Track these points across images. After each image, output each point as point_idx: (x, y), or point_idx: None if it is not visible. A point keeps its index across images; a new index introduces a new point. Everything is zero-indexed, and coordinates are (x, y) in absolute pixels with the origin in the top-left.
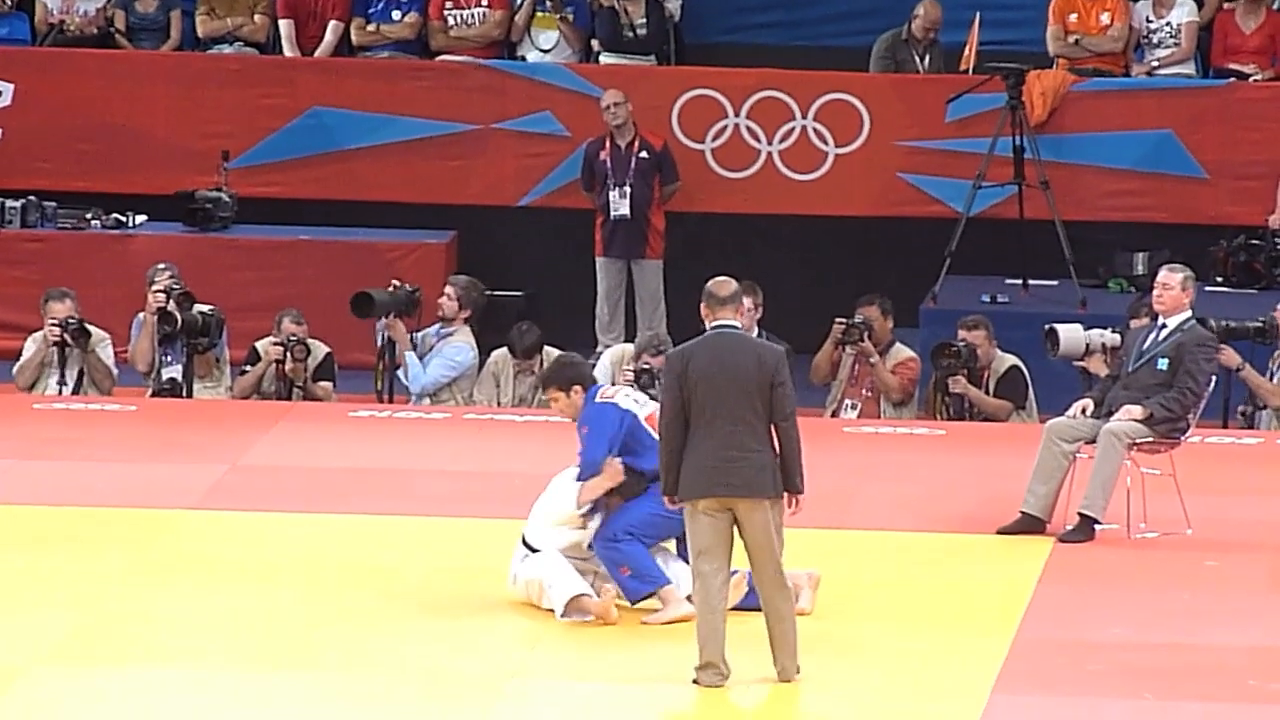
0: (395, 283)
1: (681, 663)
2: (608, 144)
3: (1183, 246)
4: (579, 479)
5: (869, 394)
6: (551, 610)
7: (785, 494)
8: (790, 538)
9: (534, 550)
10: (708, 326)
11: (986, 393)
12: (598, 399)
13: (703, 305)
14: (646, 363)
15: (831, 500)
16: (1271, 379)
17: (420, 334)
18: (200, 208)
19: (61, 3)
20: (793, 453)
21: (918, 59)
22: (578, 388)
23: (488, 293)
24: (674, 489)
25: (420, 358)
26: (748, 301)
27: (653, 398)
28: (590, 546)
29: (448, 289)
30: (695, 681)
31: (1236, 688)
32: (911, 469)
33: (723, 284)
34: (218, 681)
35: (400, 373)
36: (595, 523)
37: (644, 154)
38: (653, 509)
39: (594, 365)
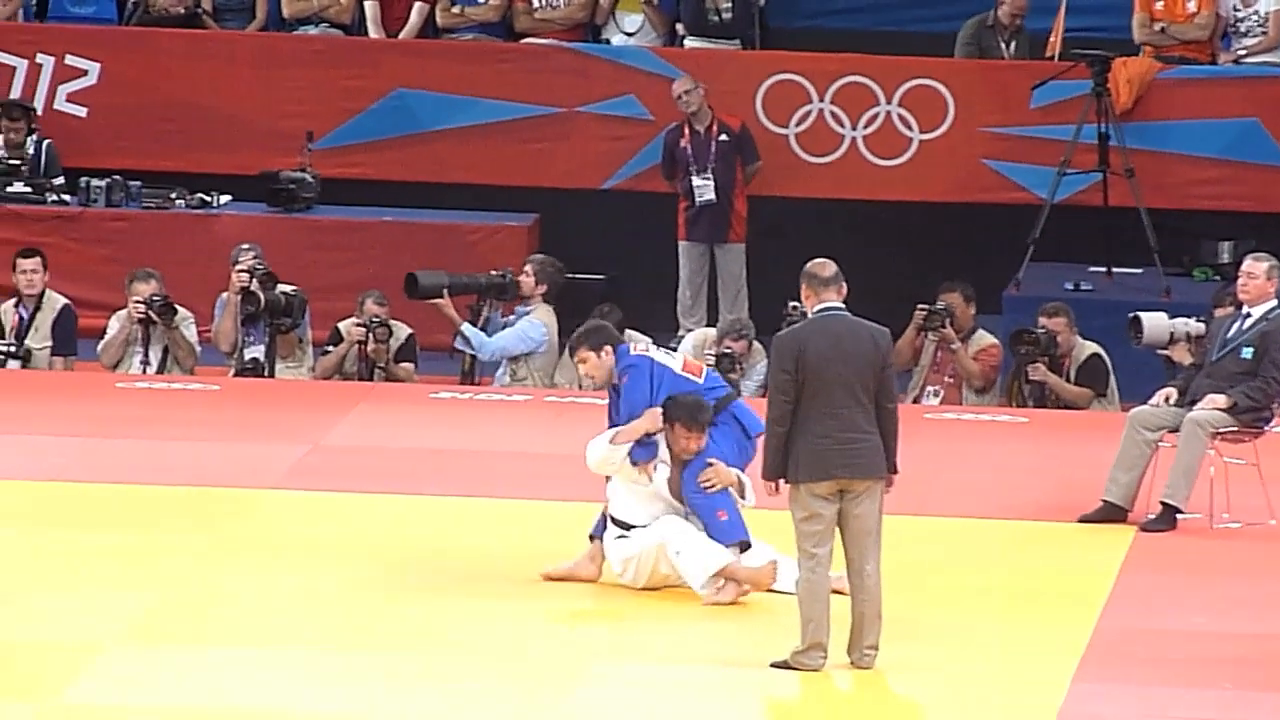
0: (493, 270)
1: (766, 646)
2: (686, 130)
3: (1268, 235)
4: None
5: (950, 380)
6: (637, 587)
7: (889, 476)
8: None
9: (627, 526)
10: (810, 309)
11: (1067, 380)
12: (631, 353)
13: (804, 287)
14: (728, 347)
15: (912, 487)
16: None
17: (512, 316)
18: (284, 188)
19: None
20: (894, 434)
21: (1003, 45)
22: (608, 348)
23: (569, 275)
24: (781, 472)
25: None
26: None
27: (733, 382)
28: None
29: (525, 266)
30: (787, 665)
31: None
32: (993, 456)
33: (823, 265)
34: (296, 661)
35: (460, 343)
36: (662, 472)
37: (723, 137)
38: (725, 452)
39: (676, 349)
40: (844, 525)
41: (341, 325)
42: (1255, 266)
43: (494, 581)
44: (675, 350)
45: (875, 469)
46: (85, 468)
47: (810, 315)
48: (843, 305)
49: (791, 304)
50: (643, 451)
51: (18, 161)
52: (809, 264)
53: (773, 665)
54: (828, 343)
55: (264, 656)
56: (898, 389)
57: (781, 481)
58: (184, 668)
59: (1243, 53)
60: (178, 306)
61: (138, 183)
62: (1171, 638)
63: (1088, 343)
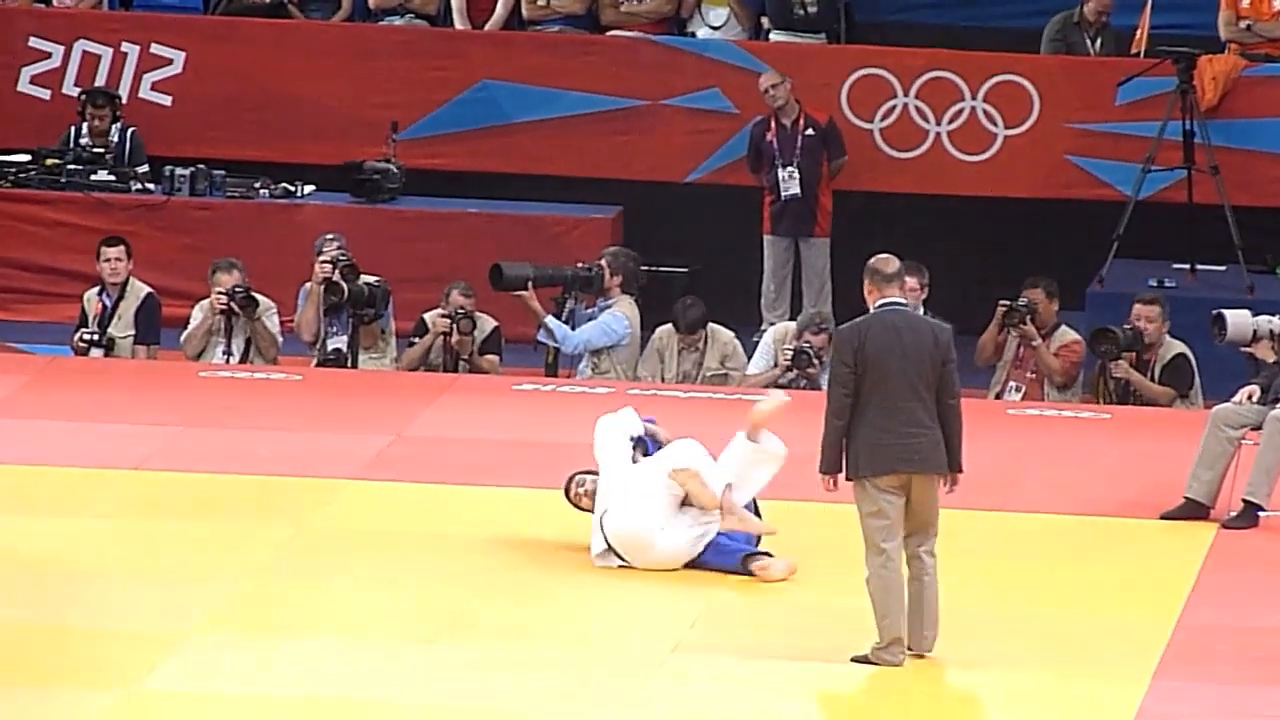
0: (578, 263)
1: (841, 642)
2: (773, 124)
3: None
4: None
5: (1033, 376)
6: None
7: (953, 474)
8: (952, 519)
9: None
10: (873, 304)
11: (1152, 377)
12: None
13: (867, 282)
14: (808, 341)
15: (994, 482)
16: None
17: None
18: (368, 178)
19: None
20: (957, 432)
21: (1089, 41)
22: None
23: (653, 268)
24: (837, 466)
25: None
26: (913, 281)
27: (809, 377)
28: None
29: (600, 259)
30: (867, 660)
31: None
32: (1075, 452)
33: (887, 261)
34: (377, 652)
35: (543, 336)
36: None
37: (810, 131)
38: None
39: (757, 341)
40: (906, 518)
41: (427, 316)
42: None
43: (574, 573)
44: (758, 342)
45: (936, 463)
46: (168, 457)
47: (872, 310)
48: (905, 301)
49: None
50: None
51: (102, 150)
52: (873, 259)
53: (853, 660)
54: (887, 337)
55: (345, 647)
56: (980, 384)
57: (841, 477)
58: (265, 657)
59: None
60: (260, 297)
61: (221, 172)
62: (1253, 635)
63: (1175, 341)
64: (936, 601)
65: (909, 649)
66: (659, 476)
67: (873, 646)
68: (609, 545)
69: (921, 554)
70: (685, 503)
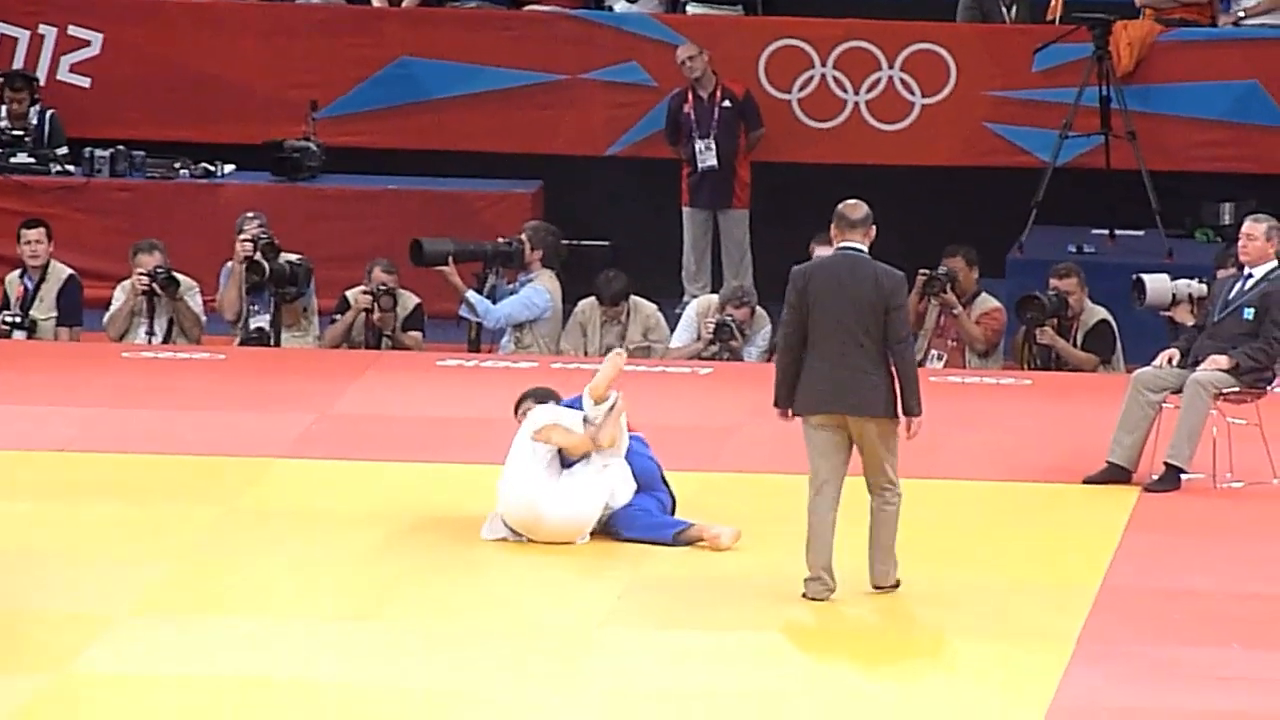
0: (499, 238)
1: (771, 611)
2: (690, 96)
3: (1269, 196)
4: None
5: (954, 344)
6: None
7: (903, 418)
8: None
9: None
10: (833, 249)
11: (1075, 344)
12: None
13: (833, 227)
14: (730, 314)
15: (917, 450)
16: None
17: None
18: (288, 157)
19: None
20: (909, 376)
21: (1004, 10)
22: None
23: (574, 242)
24: (787, 402)
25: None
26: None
27: (732, 349)
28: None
29: (520, 234)
30: (805, 595)
31: None
32: (998, 419)
33: (854, 206)
34: (305, 630)
35: (464, 311)
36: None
37: (727, 103)
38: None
39: (679, 315)
40: (863, 465)
41: (349, 293)
42: (1255, 228)
43: (501, 549)
44: (680, 315)
45: (870, 408)
46: (92, 438)
47: (831, 252)
48: (863, 248)
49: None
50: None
51: (21, 132)
52: (841, 204)
53: (804, 595)
54: (832, 281)
55: (273, 626)
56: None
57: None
58: (193, 637)
59: (1242, 15)
60: (181, 277)
61: (141, 153)
62: (1176, 597)
63: (1098, 308)
64: (890, 538)
65: (873, 585)
66: (524, 445)
67: (804, 579)
68: (505, 525)
69: (878, 491)
70: (567, 466)
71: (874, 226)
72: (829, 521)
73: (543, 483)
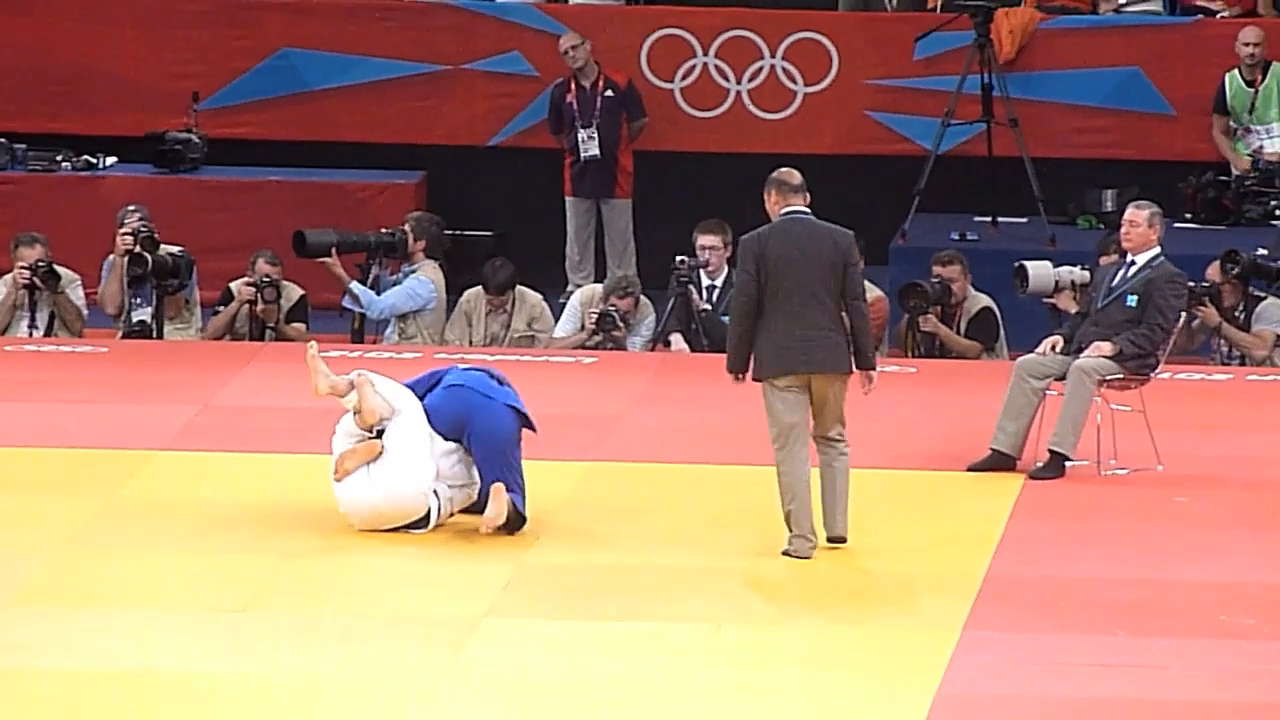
0: (383, 229)
1: (655, 601)
2: (572, 86)
3: (1151, 183)
4: None
5: None
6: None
7: (860, 372)
8: (758, 475)
9: None
10: (777, 213)
11: (958, 331)
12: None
13: (772, 193)
14: (614, 304)
15: None
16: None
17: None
18: (170, 149)
19: None
20: (865, 330)
21: (887, 0)
22: None
23: (457, 232)
24: (742, 367)
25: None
26: (715, 239)
27: (615, 339)
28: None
29: (403, 225)
30: (786, 553)
31: (1207, 623)
32: (881, 406)
33: (790, 173)
34: (188, 623)
35: (348, 302)
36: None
37: (609, 93)
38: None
39: (564, 305)
40: (814, 418)
41: (233, 285)
42: (1138, 215)
43: (385, 539)
44: (564, 304)
45: (835, 364)
46: None
47: (775, 219)
48: (808, 210)
49: (680, 258)
50: None
51: None
52: (776, 172)
53: (783, 553)
54: (789, 244)
55: (156, 618)
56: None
57: (748, 377)
58: (79, 630)
59: (1123, 2)
60: (63, 270)
61: (23, 145)
62: (1061, 584)
63: (981, 295)
64: (846, 486)
65: (827, 537)
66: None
67: (788, 538)
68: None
69: (832, 440)
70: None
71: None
72: (806, 478)
73: (358, 478)
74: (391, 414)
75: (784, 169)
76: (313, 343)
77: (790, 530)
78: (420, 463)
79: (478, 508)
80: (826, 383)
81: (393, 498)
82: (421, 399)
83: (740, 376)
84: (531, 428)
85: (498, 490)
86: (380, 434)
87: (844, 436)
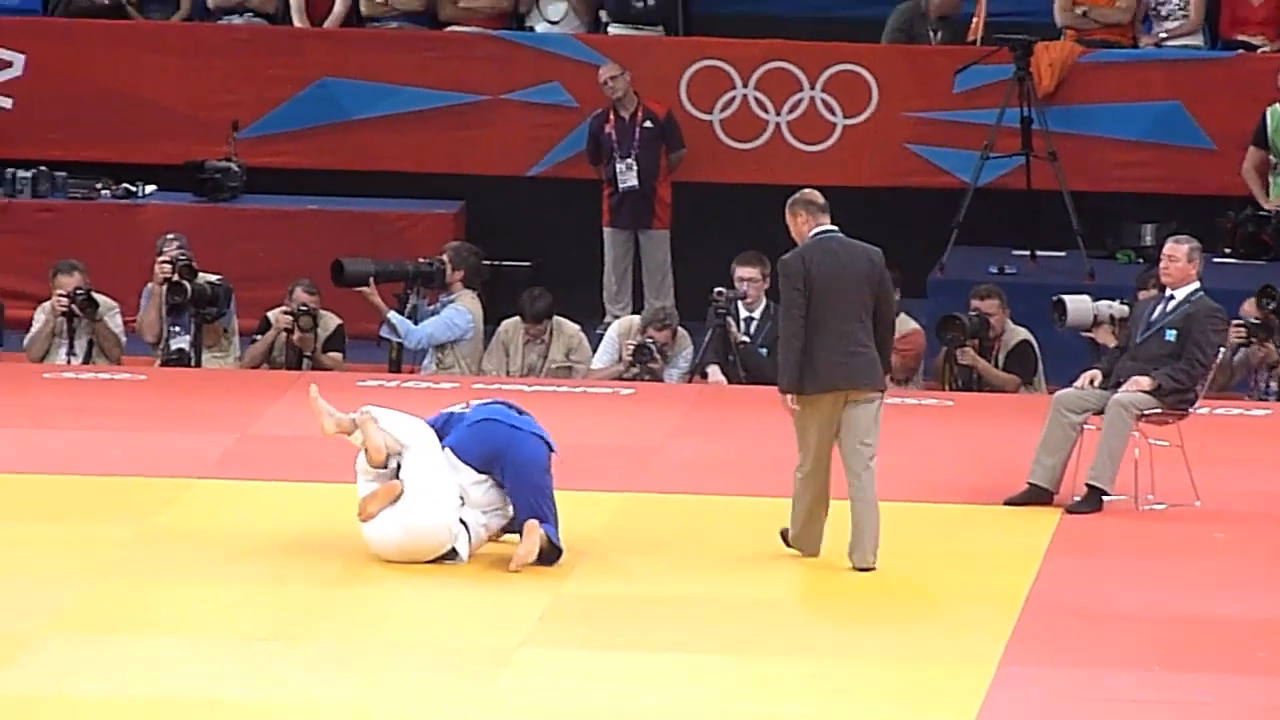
0: (422, 259)
1: (691, 632)
2: (611, 116)
3: (1190, 218)
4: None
5: None
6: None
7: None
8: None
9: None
10: (807, 233)
11: (996, 364)
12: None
13: (801, 213)
14: (650, 336)
15: (839, 471)
16: None
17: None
18: (209, 178)
19: None
20: (890, 348)
21: (932, 33)
22: None
23: (495, 263)
24: (799, 385)
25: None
26: (754, 271)
27: (652, 371)
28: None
29: (441, 254)
30: (783, 538)
31: (1244, 659)
32: (919, 439)
33: (814, 193)
34: (225, 650)
35: (386, 331)
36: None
37: (648, 124)
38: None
39: (601, 335)
40: (841, 435)
41: (271, 314)
42: (1177, 249)
43: (420, 568)
44: (602, 335)
45: (873, 380)
46: (12, 458)
47: (808, 238)
48: (837, 229)
49: (718, 290)
50: None
51: None
52: (801, 192)
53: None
54: (832, 263)
55: (194, 645)
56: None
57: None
58: (114, 657)
59: (1164, 36)
60: (101, 297)
61: (63, 173)
62: (1098, 619)
63: (1019, 329)
64: (876, 519)
65: (854, 567)
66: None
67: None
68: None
69: (860, 451)
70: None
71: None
72: (812, 497)
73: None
74: (400, 449)
75: (806, 190)
76: (313, 385)
77: (788, 545)
78: (441, 496)
79: (514, 527)
80: (863, 398)
81: (415, 534)
82: (441, 437)
83: (794, 397)
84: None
85: (531, 528)
86: (398, 470)
87: (871, 445)
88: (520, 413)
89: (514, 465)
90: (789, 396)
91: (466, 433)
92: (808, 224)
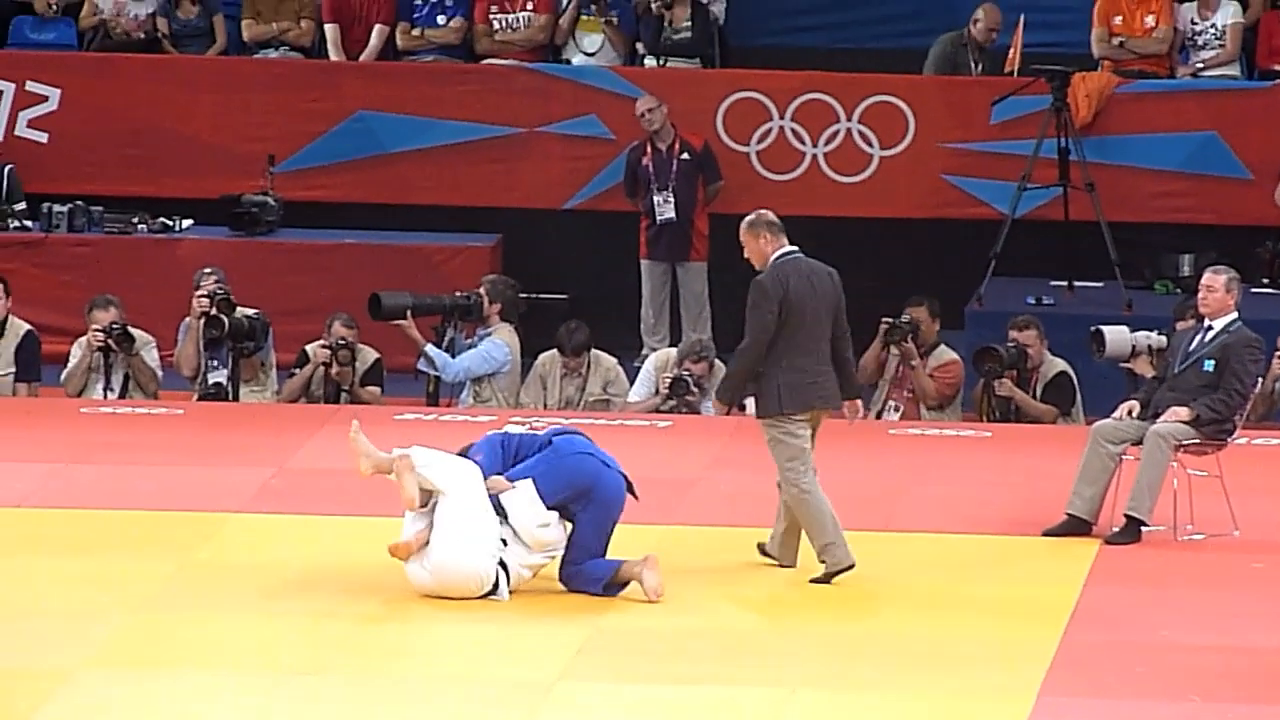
0: (459, 292)
1: (731, 664)
2: (649, 149)
3: (1228, 248)
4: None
5: (910, 395)
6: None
7: (849, 401)
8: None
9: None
10: (771, 254)
11: (1034, 395)
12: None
13: (764, 235)
14: (688, 369)
15: (877, 502)
16: None
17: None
18: (246, 211)
19: (113, 5)
20: (853, 361)
21: (974, 63)
22: None
23: (532, 296)
24: (739, 398)
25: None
26: None
27: (688, 404)
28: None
29: (479, 288)
30: (822, 560)
31: None
32: (957, 471)
33: (770, 213)
34: (262, 684)
35: (423, 365)
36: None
37: (685, 156)
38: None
39: (639, 367)
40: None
41: (308, 348)
42: (1215, 279)
43: (458, 602)
44: (639, 368)
45: (836, 400)
46: (50, 493)
47: (774, 259)
48: (798, 248)
49: None
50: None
51: None
52: (760, 213)
53: (813, 581)
54: (804, 284)
55: (231, 681)
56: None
57: (743, 409)
58: (152, 692)
59: (1201, 66)
60: (137, 332)
61: (100, 208)
62: (1137, 650)
63: (1057, 359)
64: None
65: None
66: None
67: (825, 571)
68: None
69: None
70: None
71: None
72: (830, 510)
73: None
74: (438, 493)
75: (763, 211)
76: (355, 421)
77: (826, 562)
78: (474, 542)
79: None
80: (823, 416)
81: (444, 579)
82: (516, 458)
83: (734, 410)
84: (634, 495)
85: (653, 561)
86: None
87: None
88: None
89: (599, 502)
90: (727, 407)
91: (558, 464)
92: (771, 245)
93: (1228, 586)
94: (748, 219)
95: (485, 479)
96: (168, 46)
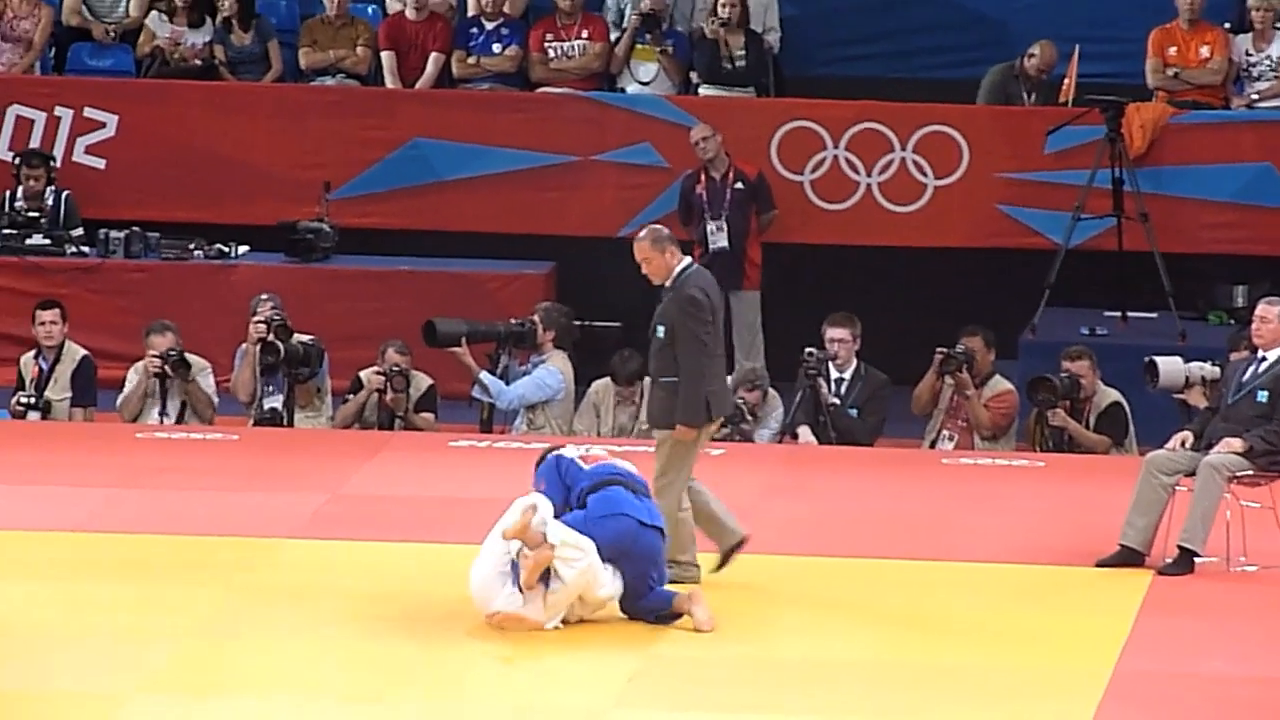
0: (511, 319)
1: (783, 693)
2: (703, 177)
3: None
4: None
5: (964, 425)
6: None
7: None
8: (887, 569)
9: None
10: (673, 266)
11: (1087, 426)
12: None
13: (669, 249)
14: (741, 397)
15: (930, 532)
16: None
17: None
18: (302, 238)
19: (170, 33)
20: None
21: (1026, 95)
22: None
23: (586, 323)
24: (705, 418)
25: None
26: (844, 332)
27: (742, 432)
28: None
29: (533, 315)
30: (672, 567)
31: None
32: (1010, 501)
33: (661, 227)
34: (318, 711)
35: (477, 392)
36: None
37: (739, 185)
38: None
39: None
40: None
41: (362, 374)
42: (1269, 310)
43: (512, 631)
44: None
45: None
46: (106, 518)
47: (678, 272)
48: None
49: (808, 351)
50: None
51: (37, 214)
52: (658, 228)
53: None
54: (716, 294)
55: (284, 707)
56: (914, 433)
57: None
58: (206, 717)
59: (1255, 97)
60: (194, 358)
61: (156, 234)
62: (1190, 681)
63: (1110, 390)
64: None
65: (728, 551)
66: (495, 541)
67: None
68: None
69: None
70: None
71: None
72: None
73: (492, 581)
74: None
75: (658, 225)
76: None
77: (674, 574)
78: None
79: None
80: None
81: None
82: (563, 481)
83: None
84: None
85: (699, 594)
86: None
87: None
88: (636, 491)
89: (636, 558)
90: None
91: (594, 526)
92: (675, 258)
93: None
94: (649, 235)
95: (555, 510)
96: (224, 73)
